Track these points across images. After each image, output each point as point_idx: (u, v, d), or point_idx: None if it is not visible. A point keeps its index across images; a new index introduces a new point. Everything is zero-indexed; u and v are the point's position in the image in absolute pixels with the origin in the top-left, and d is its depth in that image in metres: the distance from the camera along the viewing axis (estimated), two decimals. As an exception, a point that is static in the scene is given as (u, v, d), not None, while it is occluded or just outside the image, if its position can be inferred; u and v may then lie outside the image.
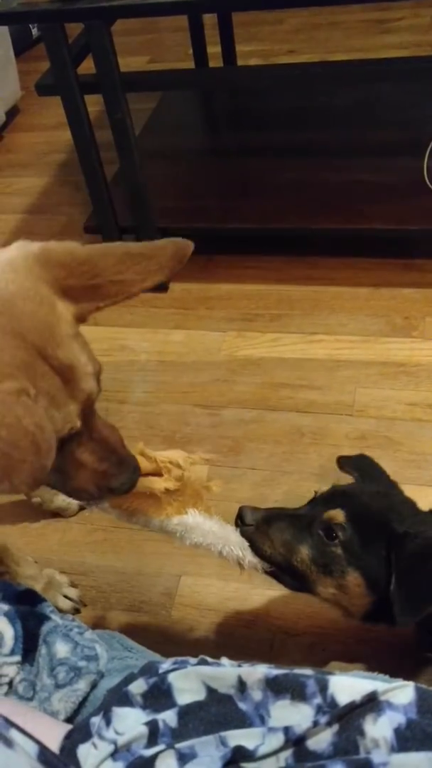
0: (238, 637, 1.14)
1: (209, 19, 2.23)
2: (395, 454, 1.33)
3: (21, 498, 1.31)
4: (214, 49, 2.26)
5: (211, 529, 0.85)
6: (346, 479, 1.19)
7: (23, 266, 0.66)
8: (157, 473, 0.83)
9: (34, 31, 2.92)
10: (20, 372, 0.61)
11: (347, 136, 1.93)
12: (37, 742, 0.51)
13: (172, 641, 1.14)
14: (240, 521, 0.89)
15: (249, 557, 0.88)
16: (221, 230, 1.75)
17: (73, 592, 1.20)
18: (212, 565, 1.20)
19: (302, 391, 1.48)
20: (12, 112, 2.64)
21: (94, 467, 0.71)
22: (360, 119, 1.97)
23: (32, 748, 0.50)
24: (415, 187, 1.65)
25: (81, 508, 1.33)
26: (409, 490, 0.98)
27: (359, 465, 1.02)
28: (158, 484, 0.82)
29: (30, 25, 2.89)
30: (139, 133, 1.62)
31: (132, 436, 1.47)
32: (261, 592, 1.16)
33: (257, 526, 0.88)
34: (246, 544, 0.88)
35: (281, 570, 0.90)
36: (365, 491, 0.95)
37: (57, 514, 1.33)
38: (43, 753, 0.51)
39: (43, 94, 1.55)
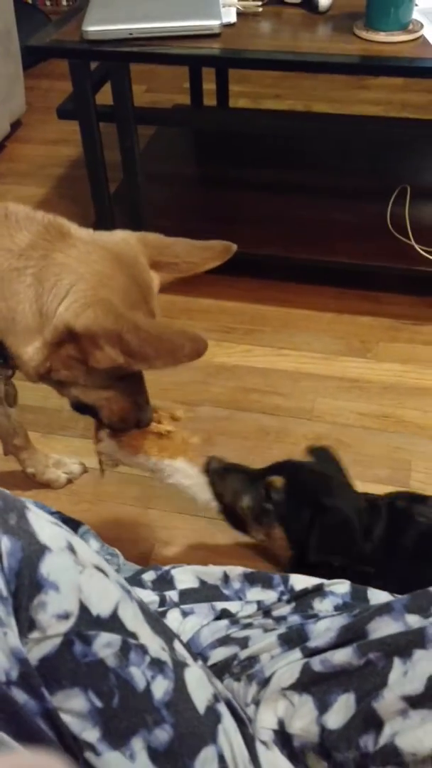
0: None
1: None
2: (344, 455, 1.50)
3: (17, 468, 1.49)
4: (207, 86, 2.47)
5: (191, 474, 1.06)
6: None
7: (133, 243, 0.94)
8: (158, 421, 1.07)
9: (41, 51, 3.10)
10: (139, 307, 0.90)
11: (324, 178, 2.17)
12: None
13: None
14: (207, 468, 1.10)
15: (212, 500, 1.09)
16: (207, 251, 1.96)
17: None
18: (181, 536, 1.40)
19: (269, 396, 1.69)
20: (14, 125, 2.79)
21: (134, 399, 0.97)
22: (336, 164, 2.23)
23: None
24: (379, 229, 1.89)
25: (69, 481, 1.52)
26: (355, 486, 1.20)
27: (320, 453, 1.23)
28: (159, 427, 1.06)
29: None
30: (138, 157, 1.82)
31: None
32: (219, 561, 1.35)
33: (218, 474, 1.10)
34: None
35: (229, 512, 1.11)
36: (309, 468, 1.16)
37: (47, 485, 1.50)
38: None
39: (64, 118, 1.75)
